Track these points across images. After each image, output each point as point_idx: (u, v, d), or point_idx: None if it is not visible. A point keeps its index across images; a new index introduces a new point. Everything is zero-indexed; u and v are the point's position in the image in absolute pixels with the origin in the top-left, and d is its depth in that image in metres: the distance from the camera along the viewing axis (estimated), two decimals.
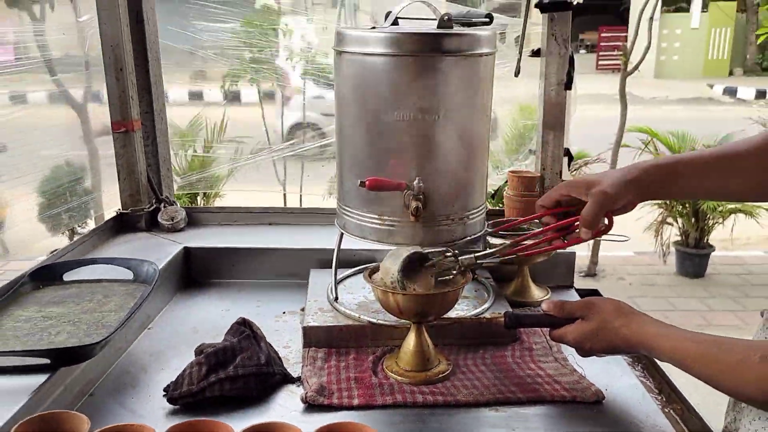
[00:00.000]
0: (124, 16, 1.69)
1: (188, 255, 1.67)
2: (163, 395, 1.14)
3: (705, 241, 5.35)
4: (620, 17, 17.07)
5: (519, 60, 1.68)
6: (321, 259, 1.65)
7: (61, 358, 1.06)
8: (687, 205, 5.30)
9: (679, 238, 5.37)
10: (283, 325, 1.45)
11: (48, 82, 1.98)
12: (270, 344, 1.26)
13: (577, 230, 1.18)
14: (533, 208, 1.67)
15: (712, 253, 5.39)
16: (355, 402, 1.14)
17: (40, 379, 1.04)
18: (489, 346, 1.32)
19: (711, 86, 15.41)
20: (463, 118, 1.24)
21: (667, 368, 1.21)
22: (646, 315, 1.04)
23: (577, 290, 1.64)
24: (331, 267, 1.60)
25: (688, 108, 12.55)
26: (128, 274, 1.40)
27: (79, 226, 2.27)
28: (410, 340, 1.22)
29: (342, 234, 1.44)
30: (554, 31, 1.64)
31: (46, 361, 1.05)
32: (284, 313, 1.50)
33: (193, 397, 1.12)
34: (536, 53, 1.70)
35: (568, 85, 1.67)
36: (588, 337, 1.07)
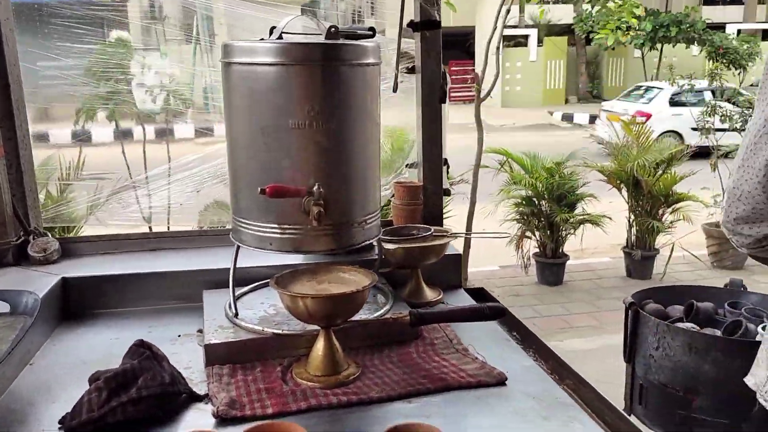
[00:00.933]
0: None
1: (66, 286, 1.56)
2: (59, 428, 1.06)
3: (560, 251, 5.77)
4: (467, 52, 18.16)
5: (396, 76, 1.76)
6: (211, 280, 1.61)
7: None
8: (543, 219, 5.71)
9: (538, 250, 5.75)
10: (180, 347, 1.39)
11: None
12: (172, 364, 1.21)
13: None
14: (418, 215, 1.75)
15: (567, 262, 5.82)
16: (269, 411, 1.12)
17: None
18: (393, 345, 1.36)
19: (551, 113, 16.75)
20: (356, 124, 1.28)
21: (556, 349, 1.32)
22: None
23: (466, 290, 1.72)
24: (222, 287, 1.58)
25: (534, 133, 13.59)
26: (3, 307, 1.29)
27: None
28: (319, 345, 1.23)
29: (238, 248, 1.42)
30: (428, 48, 1.73)
31: None
32: (179, 336, 1.45)
33: (94, 424, 1.05)
34: (411, 70, 1.79)
35: (443, 98, 1.78)
36: None
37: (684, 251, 6.12)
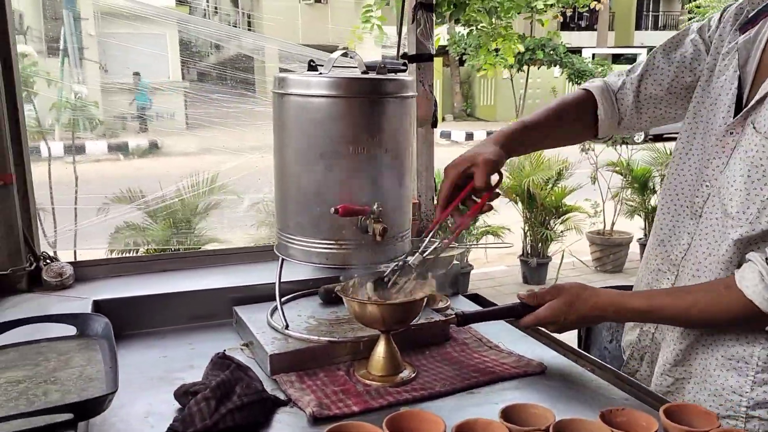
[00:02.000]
0: None
1: (99, 309, 1.58)
2: None
3: (465, 260, 6.13)
4: None
5: None
6: (234, 297, 1.69)
7: (84, 410, 1.00)
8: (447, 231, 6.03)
9: None
10: None
11: None
12: (255, 373, 1.30)
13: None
14: (414, 230, 1.92)
15: (471, 271, 6.19)
16: (355, 409, 1.25)
17: None
18: (430, 346, 1.52)
19: None
20: (400, 151, 1.44)
21: (566, 338, 1.54)
22: (605, 289, 1.34)
23: (464, 295, 1.92)
24: (248, 303, 1.68)
25: None
26: (64, 331, 1.31)
27: None
28: (380, 349, 1.37)
29: (282, 262, 1.53)
30: (421, 78, 1.92)
31: (69, 416, 0.99)
32: (225, 350, 1.52)
33: (209, 431, 1.13)
34: None
35: (434, 123, 1.97)
36: (561, 312, 1.33)
37: (573, 257, 6.70)
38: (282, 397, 1.29)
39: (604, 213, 6.90)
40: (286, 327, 1.48)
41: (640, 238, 7.07)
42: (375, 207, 1.37)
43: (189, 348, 1.54)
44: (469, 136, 17.26)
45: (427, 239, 1.41)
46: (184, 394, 1.23)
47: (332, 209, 1.32)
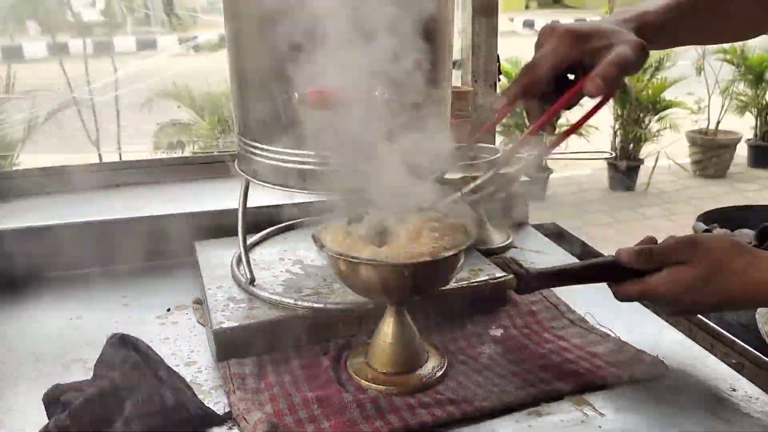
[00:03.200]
0: None
1: (1, 242, 1.11)
2: None
3: (544, 164, 5.45)
4: None
5: None
6: (202, 225, 1.19)
7: None
8: (525, 131, 5.34)
9: None
10: (173, 329, 0.98)
11: None
12: (171, 369, 0.80)
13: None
14: (465, 129, 1.34)
15: (550, 176, 5.53)
16: None
17: None
18: (475, 315, 0.97)
19: (511, 20, 16.11)
20: None
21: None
22: None
23: (534, 226, 1.34)
24: (218, 235, 1.16)
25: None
26: None
27: None
28: (387, 329, 0.83)
29: (248, 185, 0.99)
30: None
31: None
32: (169, 310, 1.03)
33: None
34: None
35: None
36: (693, 287, 0.74)
37: (669, 160, 5.89)
38: (220, 406, 0.79)
39: (709, 109, 5.95)
40: (252, 282, 0.96)
41: (749, 139, 6.13)
42: (377, 93, 0.79)
43: (121, 304, 1.05)
44: None
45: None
46: (54, 400, 0.75)
47: (295, 95, 0.75)
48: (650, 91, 5.46)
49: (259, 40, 0.84)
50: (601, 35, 0.77)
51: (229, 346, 0.87)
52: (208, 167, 1.42)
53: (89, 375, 0.80)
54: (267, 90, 0.85)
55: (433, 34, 0.86)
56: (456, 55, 1.42)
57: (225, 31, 0.91)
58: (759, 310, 1.10)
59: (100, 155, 3.92)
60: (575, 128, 0.82)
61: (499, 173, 1.12)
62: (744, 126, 6.22)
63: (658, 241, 0.81)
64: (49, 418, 0.73)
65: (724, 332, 0.93)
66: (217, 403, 0.80)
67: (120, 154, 4.09)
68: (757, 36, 0.92)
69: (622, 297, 0.82)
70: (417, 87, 0.85)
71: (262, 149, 0.90)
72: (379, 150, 0.80)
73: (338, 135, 0.84)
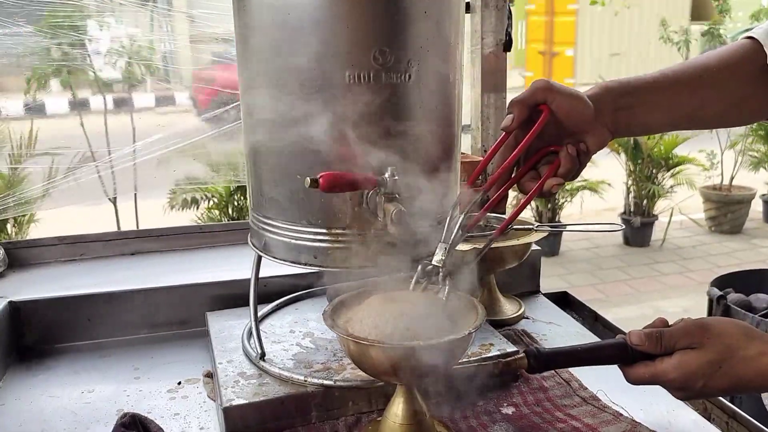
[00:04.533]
0: None
1: (17, 312, 1.13)
2: None
3: (557, 219, 5.45)
4: None
5: None
6: (215, 295, 1.20)
7: None
8: None
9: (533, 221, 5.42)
10: (183, 404, 0.98)
11: None
12: None
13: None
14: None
15: (564, 232, 5.50)
16: None
17: None
18: (486, 392, 0.96)
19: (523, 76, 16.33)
20: (439, 75, 0.86)
21: None
22: None
23: (545, 294, 1.34)
24: (231, 305, 1.17)
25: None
26: None
27: None
28: (397, 410, 0.83)
29: (260, 259, 1.01)
30: None
31: None
32: (180, 383, 1.03)
33: None
34: (467, 8, 1.36)
35: (508, 46, 1.36)
36: (704, 372, 0.74)
37: (683, 215, 5.86)
38: None
39: (722, 165, 5.96)
40: (262, 357, 0.97)
41: (763, 194, 6.11)
42: (387, 175, 0.81)
43: (132, 376, 1.05)
44: None
45: (462, 217, 0.84)
46: None
47: (307, 180, 0.77)
48: (662, 148, 5.48)
49: (274, 122, 0.87)
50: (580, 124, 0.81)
51: (238, 423, 0.87)
52: (223, 234, 1.44)
53: None
54: (280, 169, 0.87)
55: (442, 112, 0.89)
56: (465, 119, 1.44)
57: (241, 110, 0.94)
58: None
59: (116, 210, 3.98)
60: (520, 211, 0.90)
61: (508, 245, 1.13)
62: (758, 181, 6.21)
63: (670, 323, 0.81)
64: None
65: (740, 411, 0.91)
66: None
67: (136, 211, 4.14)
68: (759, 120, 0.93)
69: (632, 380, 0.81)
70: (428, 162, 0.88)
71: (273, 225, 0.92)
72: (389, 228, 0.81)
73: (350, 212, 0.85)
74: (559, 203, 5.46)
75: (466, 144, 1.47)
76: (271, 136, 0.87)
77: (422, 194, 0.86)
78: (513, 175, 0.87)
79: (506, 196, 0.88)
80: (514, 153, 0.83)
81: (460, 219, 0.83)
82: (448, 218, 0.84)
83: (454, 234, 0.82)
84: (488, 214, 1.24)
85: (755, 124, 5.93)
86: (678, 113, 0.88)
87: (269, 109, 0.86)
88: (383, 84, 0.81)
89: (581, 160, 0.84)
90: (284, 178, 0.87)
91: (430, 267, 0.81)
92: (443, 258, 0.81)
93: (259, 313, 1.10)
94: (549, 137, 0.84)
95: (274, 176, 0.89)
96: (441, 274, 0.80)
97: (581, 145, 0.84)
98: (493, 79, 1.35)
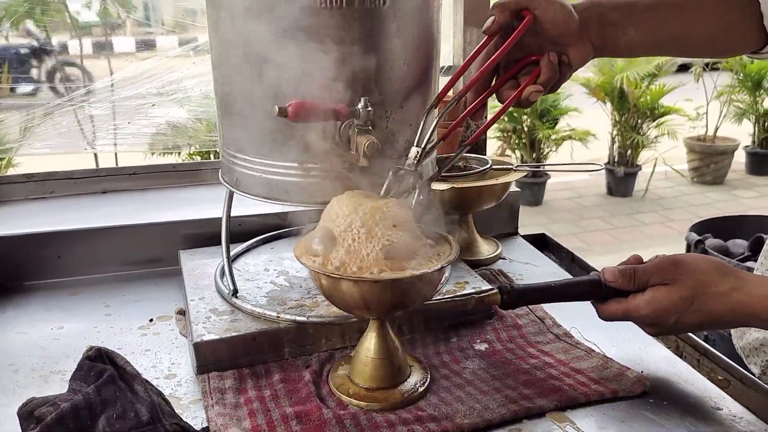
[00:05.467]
0: None
1: None
2: None
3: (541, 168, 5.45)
4: None
5: None
6: (188, 234, 1.19)
7: None
8: (523, 136, 5.35)
9: None
10: (154, 340, 0.97)
11: None
12: (148, 382, 0.79)
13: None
14: (457, 140, 1.33)
15: (548, 181, 5.51)
16: None
17: None
18: (460, 328, 0.96)
19: None
20: (417, 1, 0.83)
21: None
22: (758, 275, 0.73)
23: (524, 236, 1.33)
24: (205, 244, 1.16)
25: None
26: None
27: None
28: (370, 344, 0.82)
29: (232, 195, 0.98)
30: None
31: None
32: (152, 320, 1.02)
33: None
34: None
35: None
36: (675, 308, 0.74)
37: (666, 166, 5.88)
38: (198, 421, 0.78)
39: (707, 116, 5.96)
40: (234, 294, 0.95)
41: (747, 146, 6.13)
42: (360, 105, 0.79)
43: (103, 313, 1.04)
44: None
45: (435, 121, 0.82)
46: (29, 414, 0.74)
47: (275, 108, 0.74)
48: (648, 98, 5.45)
49: (239, 50, 0.83)
50: (564, 35, 0.79)
51: (209, 359, 0.86)
52: (197, 173, 1.41)
53: (67, 388, 0.80)
54: (250, 101, 0.84)
55: (420, 41, 0.85)
56: (446, 60, 1.41)
57: (209, 37, 0.90)
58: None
59: (96, 156, 3.92)
60: (493, 121, 0.87)
61: (486, 184, 1.11)
62: (742, 133, 6.22)
63: (644, 260, 0.81)
64: None
65: (711, 348, 0.92)
66: (195, 418, 0.79)
67: (116, 157, 4.08)
68: (740, 54, 0.90)
69: (605, 316, 0.81)
70: (402, 95, 0.85)
71: (244, 160, 0.89)
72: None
73: (322, 145, 0.83)
74: (544, 152, 5.46)
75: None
76: (239, 65, 0.84)
77: (393, 129, 0.84)
78: (492, 85, 0.84)
79: (485, 105, 0.85)
80: (492, 57, 0.80)
81: (434, 123, 0.80)
82: (422, 122, 0.81)
83: (427, 137, 0.80)
84: (468, 154, 1.23)
85: (742, 74, 5.93)
86: (664, 34, 0.85)
87: (237, 36, 0.83)
88: (356, 7, 0.78)
89: (563, 71, 0.81)
90: (254, 109, 0.84)
91: (402, 171, 0.79)
92: (415, 161, 0.78)
93: (234, 252, 1.09)
94: (530, 47, 0.81)
95: (244, 108, 0.86)
96: (412, 178, 0.79)
97: (563, 57, 0.81)
98: (475, 14, 1.31)
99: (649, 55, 0.91)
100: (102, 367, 0.75)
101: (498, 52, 0.79)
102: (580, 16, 0.80)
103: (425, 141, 0.80)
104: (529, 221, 5.27)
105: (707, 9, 0.84)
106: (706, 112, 5.94)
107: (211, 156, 4.29)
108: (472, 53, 0.83)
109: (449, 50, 1.42)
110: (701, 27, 0.84)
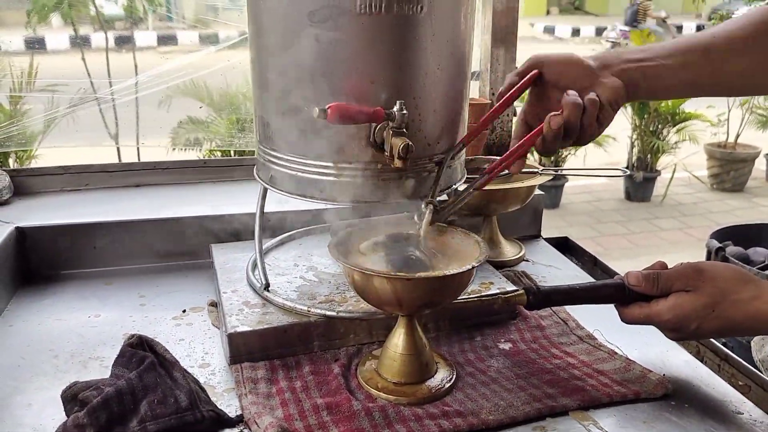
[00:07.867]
0: None
1: (23, 238, 1.14)
2: None
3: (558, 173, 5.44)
4: None
5: None
6: (220, 229, 1.22)
7: None
8: None
9: None
10: (188, 330, 1.00)
11: None
12: (186, 370, 0.82)
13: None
14: (483, 143, 1.35)
15: (566, 184, 5.51)
16: None
17: None
18: (484, 328, 0.99)
19: (532, 25, 16.06)
20: (452, 9, 0.85)
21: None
22: None
23: (546, 239, 1.35)
24: (235, 239, 1.19)
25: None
26: None
27: None
28: (398, 340, 0.85)
29: (265, 192, 1.01)
30: None
31: None
32: (185, 311, 1.05)
33: None
34: None
35: None
36: (697, 314, 0.76)
37: (686, 172, 5.85)
38: (232, 409, 0.81)
39: (728, 122, 5.92)
40: (266, 287, 0.98)
41: (767, 154, 6.08)
42: (395, 108, 0.81)
43: (138, 303, 1.08)
44: (576, 32, 15.75)
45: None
46: (72, 398, 0.77)
47: (315, 111, 0.77)
48: (670, 103, 5.43)
49: (279, 54, 0.86)
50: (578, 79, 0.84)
51: (242, 349, 0.89)
52: (227, 169, 1.44)
53: (105, 373, 0.83)
54: (288, 101, 0.87)
55: (453, 47, 0.88)
56: (474, 65, 1.43)
57: (249, 41, 0.93)
58: (754, 338, 1.10)
59: (118, 149, 3.97)
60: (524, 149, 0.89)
61: (511, 186, 1.13)
62: (764, 140, 6.17)
63: (668, 266, 0.82)
64: (67, 416, 0.76)
65: (732, 354, 0.93)
66: (229, 406, 0.82)
67: (138, 151, 4.14)
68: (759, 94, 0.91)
69: (627, 320, 0.83)
70: (436, 99, 0.87)
71: (280, 158, 0.92)
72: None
73: (357, 146, 0.86)
74: (563, 156, 5.44)
75: (474, 90, 1.45)
76: (279, 66, 0.87)
77: (432, 130, 0.86)
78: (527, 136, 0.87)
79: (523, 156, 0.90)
80: (492, 109, 0.91)
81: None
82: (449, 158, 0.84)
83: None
84: (494, 157, 1.26)
85: None
86: (695, 73, 0.84)
87: (278, 38, 0.85)
88: (395, 14, 0.80)
89: (600, 117, 0.82)
90: (292, 109, 0.87)
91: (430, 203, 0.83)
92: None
93: (264, 247, 1.12)
94: (554, 103, 0.84)
95: (282, 108, 0.88)
96: (429, 206, 0.83)
97: (592, 94, 0.82)
98: (502, 25, 1.33)
99: (683, 94, 0.92)
100: (143, 354, 0.78)
101: (500, 102, 0.90)
102: (600, 60, 0.85)
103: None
104: (546, 224, 5.24)
105: (745, 52, 0.84)
106: (728, 119, 5.91)
107: (232, 153, 4.34)
108: (491, 110, 0.93)
109: (476, 57, 1.45)
110: (737, 68, 0.84)
